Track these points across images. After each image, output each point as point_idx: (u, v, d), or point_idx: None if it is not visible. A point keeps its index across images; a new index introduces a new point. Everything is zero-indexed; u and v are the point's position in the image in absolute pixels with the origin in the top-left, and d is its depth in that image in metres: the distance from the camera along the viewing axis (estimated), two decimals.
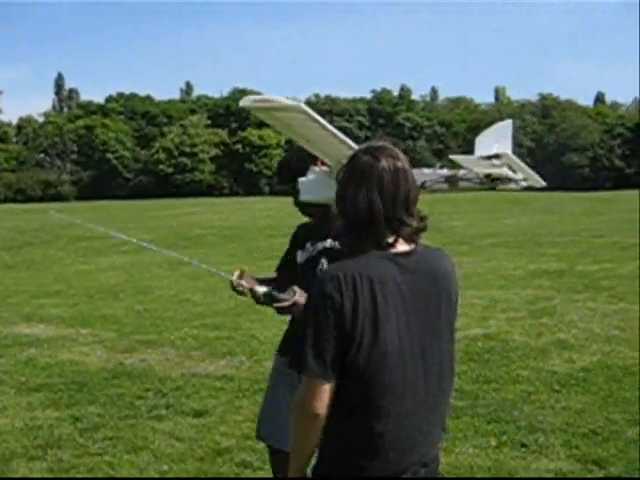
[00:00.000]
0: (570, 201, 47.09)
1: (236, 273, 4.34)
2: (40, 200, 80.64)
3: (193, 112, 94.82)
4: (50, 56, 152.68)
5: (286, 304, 4.08)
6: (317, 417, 2.67)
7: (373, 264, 2.69)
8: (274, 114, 3.97)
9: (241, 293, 4.32)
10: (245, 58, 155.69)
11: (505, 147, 4.26)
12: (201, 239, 27.90)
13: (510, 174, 4.36)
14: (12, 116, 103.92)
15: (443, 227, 27.59)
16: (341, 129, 4.25)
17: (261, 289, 4.22)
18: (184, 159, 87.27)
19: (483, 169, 4.27)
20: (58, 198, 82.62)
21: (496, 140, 4.24)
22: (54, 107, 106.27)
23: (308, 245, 4.45)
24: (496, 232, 26.73)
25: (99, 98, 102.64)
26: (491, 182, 4.39)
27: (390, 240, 2.74)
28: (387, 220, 2.72)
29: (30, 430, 7.04)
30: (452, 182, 4.21)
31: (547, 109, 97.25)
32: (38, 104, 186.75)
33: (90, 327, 11.80)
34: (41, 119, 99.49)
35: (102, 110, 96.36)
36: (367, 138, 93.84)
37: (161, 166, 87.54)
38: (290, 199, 4.56)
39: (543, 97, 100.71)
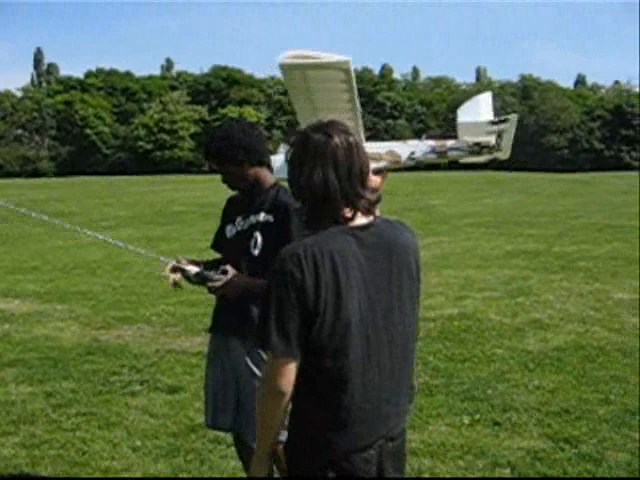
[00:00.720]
0: (549, 182, 47.36)
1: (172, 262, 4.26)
2: (18, 176, 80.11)
3: (173, 88, 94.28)
4: (29, 31, 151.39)
5: (218, 284, 4.04)
6: (283, 394, 2.68)
7: (333, 239, 2.71)
8: (308, 74, 3.86)
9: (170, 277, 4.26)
10: (226, 36, 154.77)
11: (487, 117, 4.27)
12: (179, 216, 27.82)
13: (494, 142, 4.37)
14: None
15: (422, 206, 27.69)
16: None
17: (193, 269, 4.17)
18: (164, 135, 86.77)
19: (474, 137, 4.28)
20: (36, 174, 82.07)
21: (477, 111, 4.25)
22: (33, 82, 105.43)
23: (239, 219, 4.36)
24: (475, 212, 26.84)
25: (78, 73, 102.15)
26: (480, 150, 4.40)
27: (348, 214, 2.76)
28: (344, 195, 2.73)
29: (3, 405, 7.01)
30: (440, 152, 4.21)
31: (528, 90, 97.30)
32: (17, 79, 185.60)
33: (66, 303, 11.76)
34: (19, 94, 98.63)
35: (81, 85, 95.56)
36: None
37: (140, 142, 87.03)
38: None
39: (524, 78, 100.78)
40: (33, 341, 9.36)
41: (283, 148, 4.42)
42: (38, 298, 12.27)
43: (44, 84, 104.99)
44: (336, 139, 2.74)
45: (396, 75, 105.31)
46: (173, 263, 4.24)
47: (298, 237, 3.05)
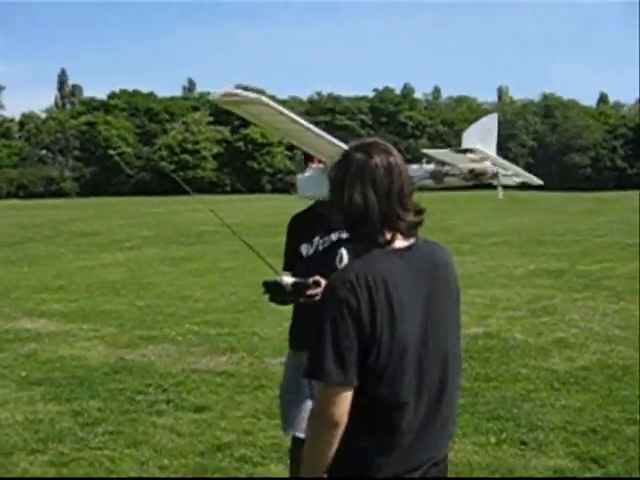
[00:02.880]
0: (572, 201, 47.19)
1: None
2: (42, 196, 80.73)
3: (195, 109, 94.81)
4: (53, 52, 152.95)
5: (319, 290, 3.95)
6: (338, 425, 2.63)
7: (380, 262, 2.69)
8: (244, 107, 3.95)
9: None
10: (248, 56, 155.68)
11: (490, 141, 4.29)
12: (203, 236, 27.89)
13: (494, 169, 4.36)
14: (15, 112, 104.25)
15: (445, 225, 27.62)
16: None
17: (289, 279, 4.15)
18: (186, 156, 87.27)
19: (466, 164, 4.29)
20: (60, 194, 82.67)
21: (482, 134, 4.26)
22: (57, 103, 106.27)
23: (317, 238, 4.44)
24: (498, 231, 26.79)
25: (102, 95, 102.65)
26: (475, 177, 4.39)
27: (388, 237, 2.74)
28: (383, 216, 2.71)
29: (31, 424, 7.06)
30: (437, 178, 4.23)
31: (550, 109, 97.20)
32: (41, 100, 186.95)
33: (91, 322, 11.83)
34: (44, 115, 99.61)
35: (105, 106, 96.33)
36: (369, 136, 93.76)
37: (163, 163, 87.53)
38: (289, 197, 4.57)
39: (546, 97, 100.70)
40: (60, 360, 9.41)
41: (309, 168, 4.46)
42: (64, 317, 12.35)
43: (68, 105, 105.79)
44: (376, 159, 2.74)
45: (418, 95, 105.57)
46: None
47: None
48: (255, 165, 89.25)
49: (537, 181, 4.80)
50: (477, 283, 14.95)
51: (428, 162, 4.44)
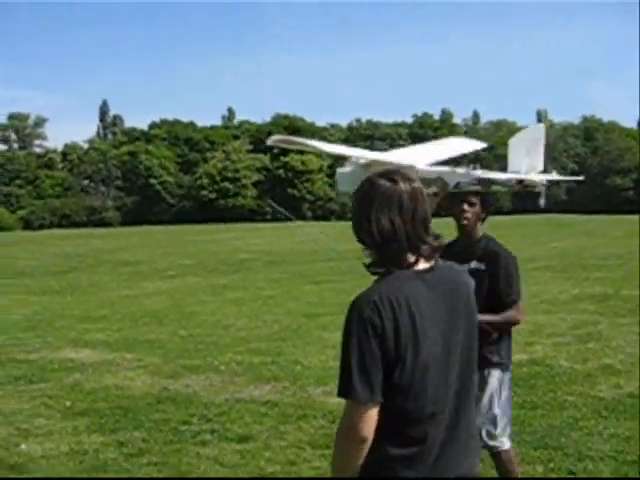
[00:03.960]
0: (614, 224, 46.70)
1: None
2: (85, 226, 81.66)
3: (235, 138, 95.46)
4: (95, 83, 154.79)
5: None
6: (365, 441, 2.72)
7: (403, 284, 2.79)
8: (293, 147, 4.11)
9: None
10: (287, 83, 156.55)
11: (537, 151, 4.29)
12: (244, 264, 28.00)
13: (543, 182, 4.39)
14: (58, 143, 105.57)
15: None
16: None
17: None
18: (227, 184, 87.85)
19: (517, 175, 4.34)
20: (102, 224, 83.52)
21: (528, 143, 4.26)
22: (98, 134, 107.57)
23: None
24: (540, 256, 26.55)
25: (143, 125, 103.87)
26: (523, 188, 4.47)
27: (412, 260, 2.84)
28: (409, 239, 2.82)
29: (76, 454, 7.08)
30: (484, 184, 4.27)
31: (590, 131, 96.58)
32: (83, 131, 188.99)
33: (135, 352, 11.87)
34: (86, 146, 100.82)
35: (146, 136, 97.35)
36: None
37: (204, 191, 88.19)
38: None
39: (586, 119, 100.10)
40: (104, 390, 9.45)
41: (349, 163, 4.54)
42: (107, 347, 12.41)
43: (109, 136, 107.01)
44: (401, 185, 2.84)
45: (457, 119, 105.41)
46: None
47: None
48: (295, 192, 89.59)
49: (577, 178, 4.87)
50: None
51: (474, 167, 4.49)
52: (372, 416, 2.70)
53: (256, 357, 11.08)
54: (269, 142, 3.75)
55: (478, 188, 4.09)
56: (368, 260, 2.89)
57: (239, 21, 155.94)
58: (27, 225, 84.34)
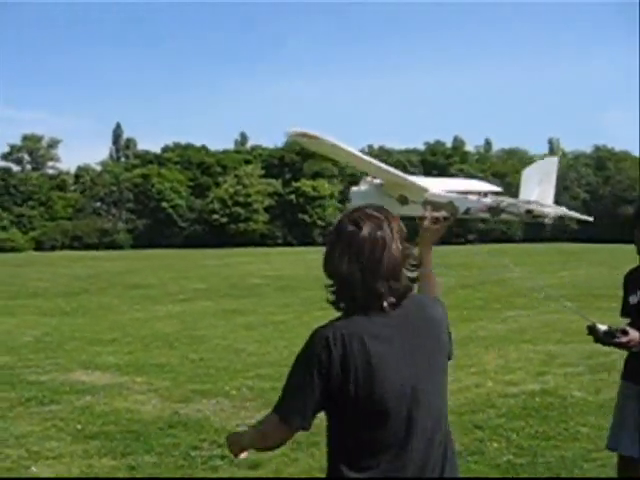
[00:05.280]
0: (626, 254, 46.45)
1: None
2: (96, 248, 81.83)
3: (247, 162, 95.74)
4: (109, 106, 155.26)
5: (623, 340, 4.53)
6: (269, 447, 3.16)
7: (362, 322, 2.82)
8: (312, 145, 4.12)
9: None
10: (299, 109, 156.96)
11: (549, 182, 4.34)
12: (255, 289, 27.97)
13: (555, 213, 4.43)
14: (71, 164, 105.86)
15: (498, 279, 27.42)
16: None
17: (602, 327, 4.54)
18: (238, 209, 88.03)
19: (526, 205, 4.36)
20: (113, 246, 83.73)
21: (541, 175, 4.31)
22: (111, 156, 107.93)
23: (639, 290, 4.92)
24: (551, 285, 26.45)
25: (155, 148, 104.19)
26: (532, 218, 4.50)
27: (372, 303, 2.84)
28: (367, 288, 2.81)
29: (86, 478, 7.06)
30: (494, 212, 4.27)
31: (602, 161, 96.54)
32: (96, 153, 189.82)
33: (145, 375, 11.86)
34: (99, 168, 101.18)
35: (158, 160, 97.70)
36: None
37: (215, 215, 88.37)
38: None
39: (598, 148, 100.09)
40: (114, 414, 9.44)
41: (363, 182, 4.57)
42: (118, 370, 12.40)
43: (122, 158, 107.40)
44: (365, 231, 2.83)
45: (469, 147, 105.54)
46: (591, 324, 4.59)
47: None
48: (306, 218, 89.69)
49: (586, 217, 4.94)
50: (532, 338, 14.77)
51: (485, 195, 4.47)
52: (283, 435, 2.95)
53: (267, 383, 11.04)
54: (288, 136, 3.80)
55: (487, 215, 4.11)
56: (330, 297, 2.92)
57: (252, 45, 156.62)
58: (39, 246, 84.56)
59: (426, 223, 3.57)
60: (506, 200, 4.07)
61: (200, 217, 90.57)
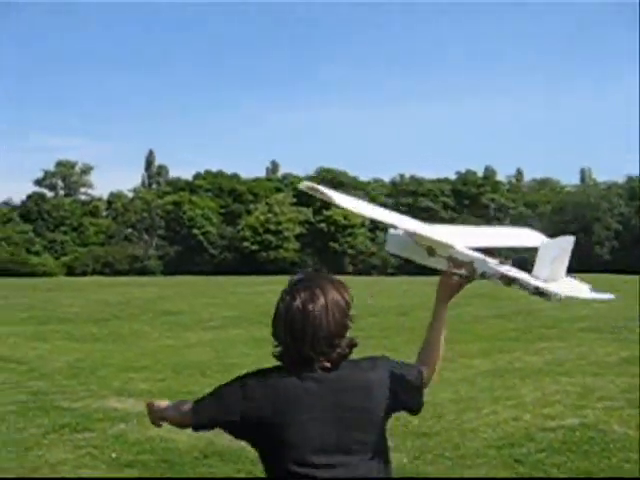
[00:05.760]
0: None
1: None
2: (126, 274, 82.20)
3: (278, 190, 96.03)
4: (141, 133, 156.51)
5: None
6: (181, 427, 3.47)
7: (289, 381, 2.98)
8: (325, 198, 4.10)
9: None
10: (332, 137, 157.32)
11: (562, 262, 4.25)
12: None
13: (558, 293, 4.32)
14: (103, 191, 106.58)
15: (529, 310, 27.18)
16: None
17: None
18: (269, 236, 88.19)
19: (536, 282, 4.28)
20: (144, 272, 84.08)
21: (556, 253, 4.23)
22: (143, 183, 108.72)
23: None
24: (585, 316, 26.16)
25: (187, 175, 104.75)
26: (540, 296, 4.39)
27: (305, 368, 3.00)
28: (300, 355, 2.98)
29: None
30: (506, 282, 4.23)
31: (634, 191, 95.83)
32: (128, 180, 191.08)
33: None
34: (130, 194, 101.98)
35: (190, 187, 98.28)
36: (452, 219, 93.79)
37: (246, 243, 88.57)
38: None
39: (630, 179, 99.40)
40: (149, 442, 9.37)
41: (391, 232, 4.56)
42: (151, 397, 12.28)
43: (154, 185, 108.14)
44: (297, 302, 2.99)
45: (500, 177, 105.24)
46: None
47: None
48: (337, 246, 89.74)
49: (607, 296, 4.66)
50: (568, 370, 14.56)
51: (501, 262, 4.37)
52: (187, 425, 3.19)
53: None
54: (301, 186, 3.81)
55: (500, 282, 4.06)
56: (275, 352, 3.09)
57: (284, 73, 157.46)
58: (70, 271, 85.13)
59: (444, 279, 3.62)
60: (519, 274, 4.01)
61: (231, 244, 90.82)
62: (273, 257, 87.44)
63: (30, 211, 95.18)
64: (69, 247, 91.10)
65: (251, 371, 3.09)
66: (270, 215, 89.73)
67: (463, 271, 3.66)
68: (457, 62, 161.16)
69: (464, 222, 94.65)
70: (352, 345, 3.06)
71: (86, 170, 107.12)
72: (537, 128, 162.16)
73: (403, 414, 3.83)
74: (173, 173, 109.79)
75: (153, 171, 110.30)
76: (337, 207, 4.21)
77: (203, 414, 3.07)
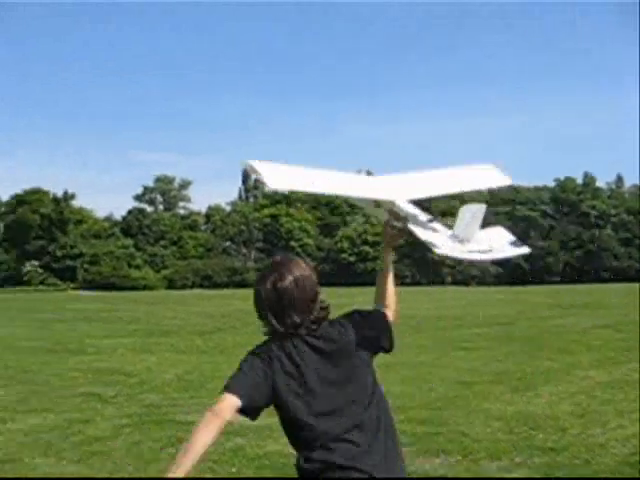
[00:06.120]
0: None
1: None
2: (226, 286, 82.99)
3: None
4: (238, 147, 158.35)
5: None
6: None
7: (285, 344, 3.49)
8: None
9: None
10: (423, 145, 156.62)
11: (475, 224, 4.16)
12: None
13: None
14: (201, 205, 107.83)
15: (636, 320, 26.40)
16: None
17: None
18: (366, 248, 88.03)
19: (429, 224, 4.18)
20: (243, 285, 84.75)
21: (469, 217, 4.15)
22: (240, 196, 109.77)
23: None
24: None
25: None
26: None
27: (290, 330, 3.49)
28: (281, 323, 3.49)
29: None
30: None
31: None
32: (225, 193, 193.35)
33: None
34: (228, 208, 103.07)
35: (286, 199, 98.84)
36: (551, 227, 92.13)
37: (343, 254, 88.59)
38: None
39: None
40: (268, 457, 9.24)
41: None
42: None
43: (251, 199, 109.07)
44: (267, 285, 3.49)
45: (600, 183, 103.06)
46: None
47: None
48: (435, 256, 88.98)
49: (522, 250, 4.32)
50: None
51: (433, 221, 4.32)
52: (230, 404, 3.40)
53: (421, 427, 10.67)
54: (243, 164, 4.10)
55: (399, 224, 4.12)
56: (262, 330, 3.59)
57: (375, 84, 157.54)
58: (170, 285, 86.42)
59: (385, 228, 4.16)
60: (439, 227, 4.06)
61: (328, 256, 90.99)
62: (371, 268, 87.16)
63: (131, 226, 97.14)
64: (169, 261, 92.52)
65: (249, 352, 3.56)
66: (367, 226, 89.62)
67: (398, 223, 4.10)
68: (554, 71, 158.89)
69: (563, 230, 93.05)
70: (324, 308, 3.56)
71: (184, 185, 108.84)
72: (635, 133, 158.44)
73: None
74: None
75: (250, 184, 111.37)
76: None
77: (242, 390, 3.42)
